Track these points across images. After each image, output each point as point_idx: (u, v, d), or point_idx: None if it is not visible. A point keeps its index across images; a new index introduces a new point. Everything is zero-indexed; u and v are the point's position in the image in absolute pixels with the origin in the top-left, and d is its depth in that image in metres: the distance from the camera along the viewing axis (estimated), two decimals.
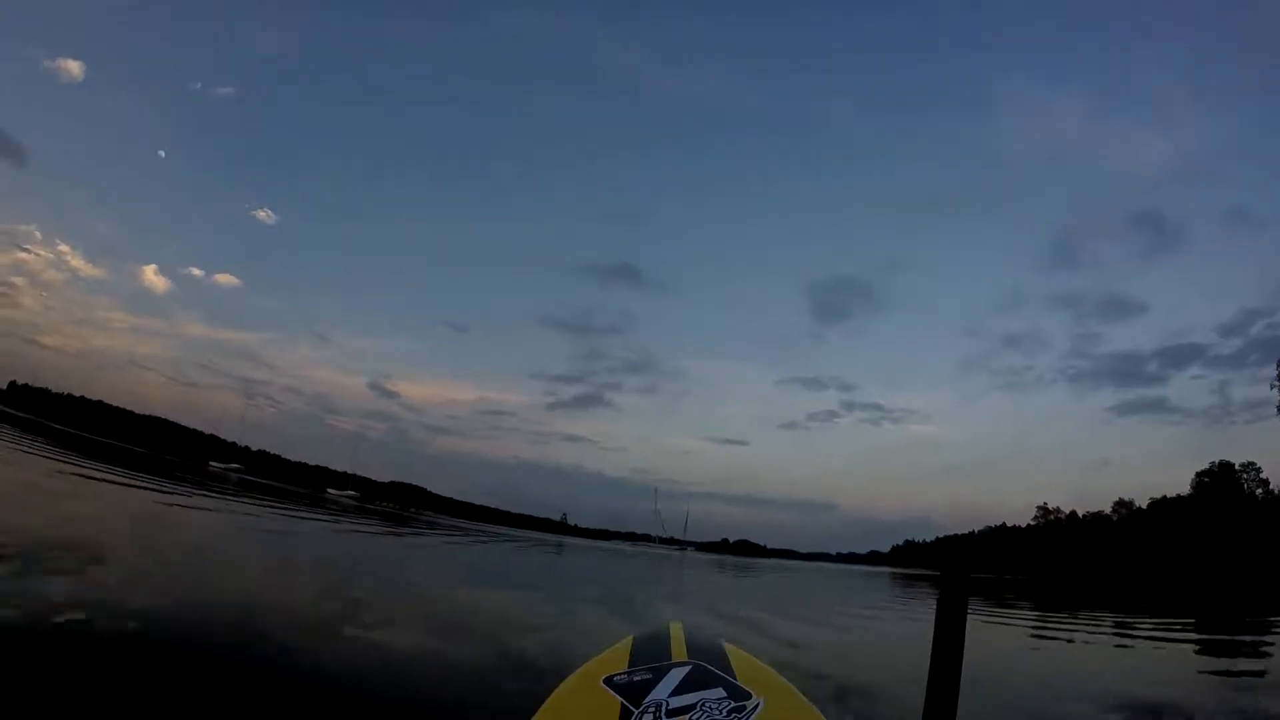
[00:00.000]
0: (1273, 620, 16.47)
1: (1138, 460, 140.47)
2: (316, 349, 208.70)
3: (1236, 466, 72.54)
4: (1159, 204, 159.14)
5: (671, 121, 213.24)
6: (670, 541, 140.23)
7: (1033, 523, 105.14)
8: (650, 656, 1.42)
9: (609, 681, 1.31)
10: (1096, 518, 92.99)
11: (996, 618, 19.42)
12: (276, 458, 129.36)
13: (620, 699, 1.23)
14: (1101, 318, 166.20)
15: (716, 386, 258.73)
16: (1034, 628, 17.30)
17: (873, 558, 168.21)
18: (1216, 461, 74.66)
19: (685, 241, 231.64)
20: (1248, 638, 13.67)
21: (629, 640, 1.54)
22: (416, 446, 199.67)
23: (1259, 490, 70.29)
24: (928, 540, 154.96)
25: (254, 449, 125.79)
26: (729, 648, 1.44)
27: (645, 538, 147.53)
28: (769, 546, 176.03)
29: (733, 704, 1.18)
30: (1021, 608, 23.49)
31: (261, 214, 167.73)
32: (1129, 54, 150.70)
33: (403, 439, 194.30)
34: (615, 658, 1.44)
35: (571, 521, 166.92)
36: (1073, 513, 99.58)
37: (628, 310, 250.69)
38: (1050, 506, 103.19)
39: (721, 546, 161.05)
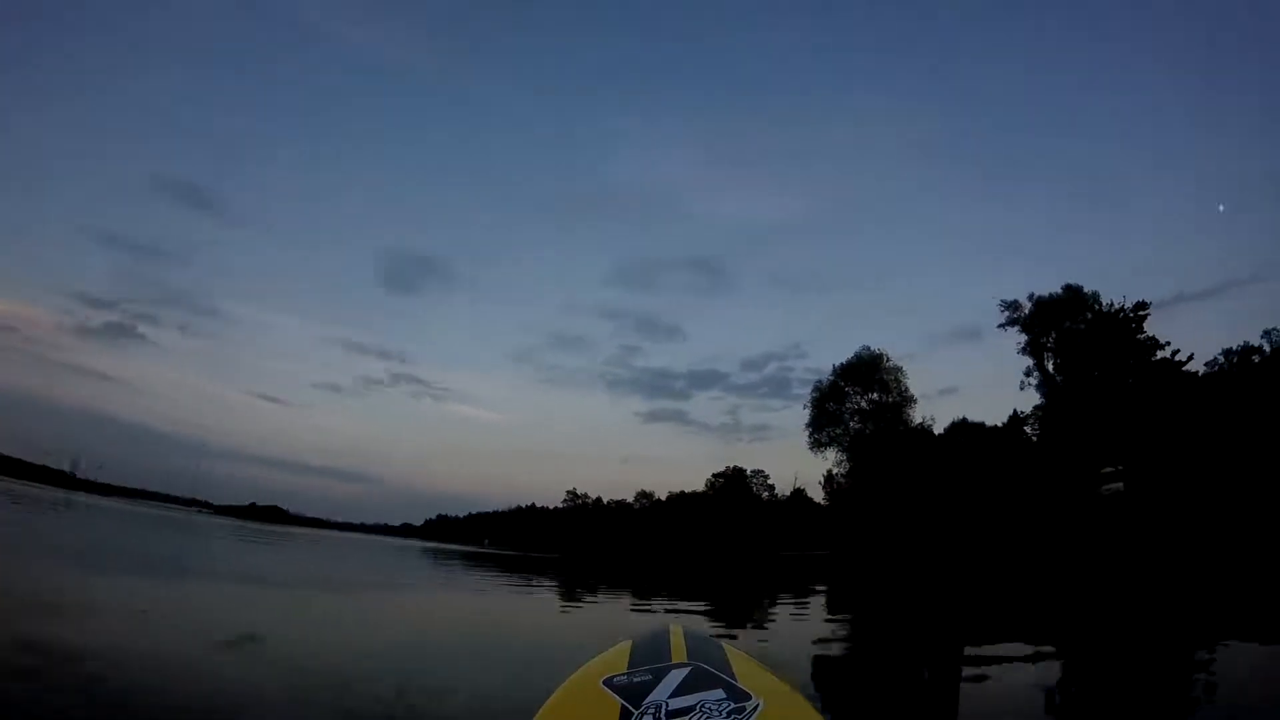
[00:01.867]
0: (773, 602, 17.88)
1: (661, 460, 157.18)
2: None
3: (748, 472, 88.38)
4: (723, 253, 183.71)
5: (293, 47, 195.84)
6: (192, 503, 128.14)
7: (562, 505, 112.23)
8: (650, 658, 1.51)
9: (609, 683, 1.40)
10: (620, 505, 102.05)
11: (526, 590, 19.34)
12: None
13: (620, 700, 1.31)
14: (648, 336, 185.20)
15: (266, 337, 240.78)
16: (563, 601, 17.29)
17: (405, 530, 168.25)
18: (731, 466, 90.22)
19: (275, 178, 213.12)
20: (757, 619, 14.55)
21: (628, 642, 1.65)
22: None
23: (765, 494, 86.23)
24: (461, 516, 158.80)
25: None
26: (728, 649, 1.55)
27: (165, 497, 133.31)
28: (300, 514, 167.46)
29: (732, 705, 1.27)
30: (548, 582, 23.76)
31: None
32: (733, 122, 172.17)
33: None
34: (615, 659, 1.55)
35: (83, 475, 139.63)
36: (599, 499, 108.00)
37: (193, 239, 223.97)
38: (579, 492, 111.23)
39: (250, 511, 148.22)
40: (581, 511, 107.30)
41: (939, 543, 37.67)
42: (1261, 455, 32.88)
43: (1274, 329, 50.23)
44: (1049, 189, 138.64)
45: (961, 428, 59.09)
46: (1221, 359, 49.71)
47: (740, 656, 1.51)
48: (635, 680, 1.42)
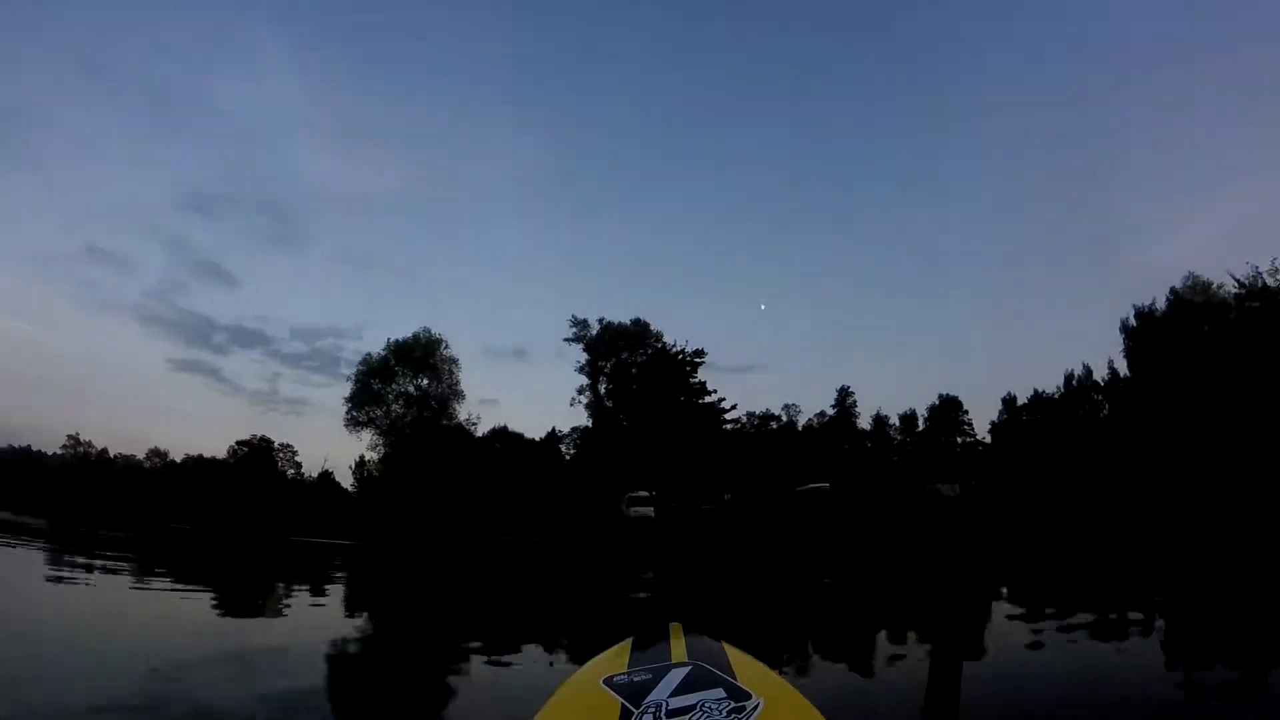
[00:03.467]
0: (290, 589, 17.16)
1: (185, 416, 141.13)
2: None
3: (276, 444, 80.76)
4: (300, 208, 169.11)
5: None
6: None
7: (61, 452, 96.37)
8: (650, 657, 1.54)
9: (609, 682, 1.43)
10: (129, 461, 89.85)
11: None
12: None
13: (620, 699, 1.34)
14: (198, 275, 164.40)
15: None
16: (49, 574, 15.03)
17: None
18: (259, 436, 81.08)
19: None
20: (271, 607, 13.77)
21: (629, 641, 1.66)
22: None
23: (291, 471, 79.88)
24: None
25: None
26: (729, 649, 1.56)
27: None
28: None
29: (732, 704, 1.29)
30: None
31: None
32: (348, 77, 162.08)
33: None
34: (615, 658, 1.58)
35: None
36: (104, 450, 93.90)
37: None
38: (84, 439, 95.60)
39: None
40: (84, 463, 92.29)
41: (466, 543, 38.59)
42: (774, 498, 39.56)
43: (792, 404, 63.38)
44: (630, 239, 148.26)
45: (503, 435, 61.91)
46: (745, 419, 59.28)
47: (741, 655, 1.51)
48: (635, 680, 1.42)
